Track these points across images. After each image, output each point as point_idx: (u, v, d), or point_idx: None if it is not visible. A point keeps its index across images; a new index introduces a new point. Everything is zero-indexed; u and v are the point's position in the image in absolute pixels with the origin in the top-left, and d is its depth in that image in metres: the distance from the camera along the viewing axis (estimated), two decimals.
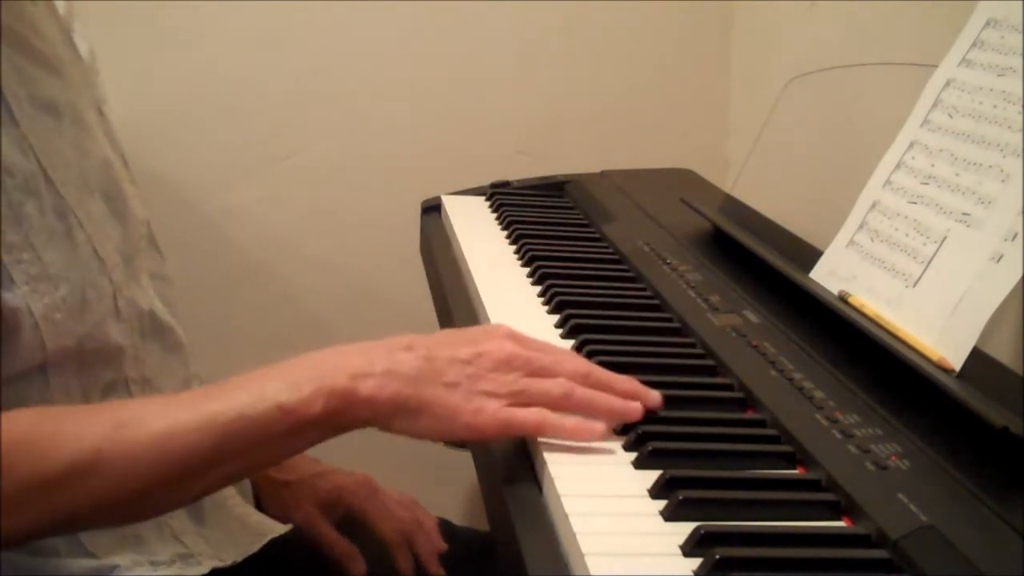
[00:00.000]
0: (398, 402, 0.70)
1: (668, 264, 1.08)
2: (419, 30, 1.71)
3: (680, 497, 0.64)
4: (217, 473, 0.71)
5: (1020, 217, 0.77)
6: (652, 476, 0.67)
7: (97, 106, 0.93)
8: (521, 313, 0.98)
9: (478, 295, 1.02)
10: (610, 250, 1.17)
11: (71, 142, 0.85)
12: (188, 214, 1.70)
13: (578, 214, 1.34)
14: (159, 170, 1.63)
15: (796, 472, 0.71)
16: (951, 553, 0.59)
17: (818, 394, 0.78)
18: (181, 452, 0.69)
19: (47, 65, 0.85)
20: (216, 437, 0.69)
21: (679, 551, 0.60)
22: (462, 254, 1.16)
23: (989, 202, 0.81)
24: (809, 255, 0.97)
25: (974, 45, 0.89)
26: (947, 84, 0.90)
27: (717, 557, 0.58)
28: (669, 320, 0.96)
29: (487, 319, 0.96)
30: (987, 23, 0.89)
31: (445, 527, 1.11)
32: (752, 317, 0.94)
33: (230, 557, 0.91)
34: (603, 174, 1.50)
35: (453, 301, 1.06)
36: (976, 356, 0.76)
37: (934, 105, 0.91)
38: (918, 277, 0.84)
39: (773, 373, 0.82)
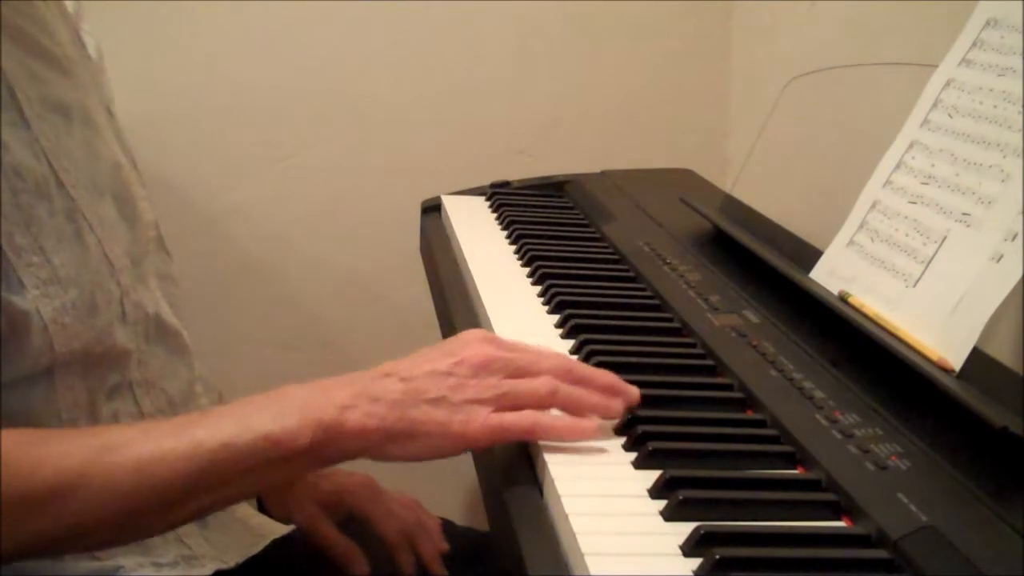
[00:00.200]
0: (386, 428, 0.70)
1: (668, 264, 1.08)
2: (419, 30, 1.71)
3: (680, 497, 0.64)
4: (199, 501, 0.71)
5: (1020, 217, 0.77)
6: (652, 476, 0.67)
7: (106, 106, 0.93)
8: (521, 313, 0.98)
9: (478, 295, 1.02)
10: (610, 250, 1.17)
11: (81, 144, 0.85)
12: (188, 214, 1.70)
13: (578, 214, 1.34)
14: (159, 170, 1.63)
15: (796, 472, 0.71)
16: (951, 553, 0.59)
17: (818, 394, 0.78)
18: (164, 478, 0.68)
19: (57, 66, 0.85)
20: (201, 465, 0.68)
21: (679, 551, 0.60)
22: (462, 254, 1.16)
23: (989, 202, 0.81)
24: (809, 255, 0.97)
25: (974, 45, 0.89)
26: (947, 84, 0.90)
27: (717, 557, 0.58)
28: (669, 320, 0.96)
29: (487, 319, 0.96)
30: (987, 23, 0.89)
31: (446, 527, 1.11)
32: (752, 317, 0.94)
33: (233, 559, 0.91)
34: (603, 174, 1.50)
35: (453, 301, 1.06)
36: (976, 356, 0.76)
37: (934, 105, 0.91)
38: (918, 277, 0.84)
39: (773, 373, 0.82)
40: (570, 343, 0.89)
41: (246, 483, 0.72)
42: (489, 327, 0.94)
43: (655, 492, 0.66)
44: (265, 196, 1.73)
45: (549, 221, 1.28)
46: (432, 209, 1.39)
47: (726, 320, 0.93)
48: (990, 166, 0.82)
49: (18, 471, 0.67)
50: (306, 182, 1.74)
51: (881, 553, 0.60)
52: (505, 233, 1.24)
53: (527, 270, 1.10)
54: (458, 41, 1.73)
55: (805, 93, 1.15)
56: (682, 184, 1.43)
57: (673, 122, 1.79)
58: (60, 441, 0.71)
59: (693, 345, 0.90)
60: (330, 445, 0.70)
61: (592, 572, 0.58)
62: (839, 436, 0.72)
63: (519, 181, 1.46)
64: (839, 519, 0.65)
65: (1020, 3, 0.86)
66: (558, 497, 0.65)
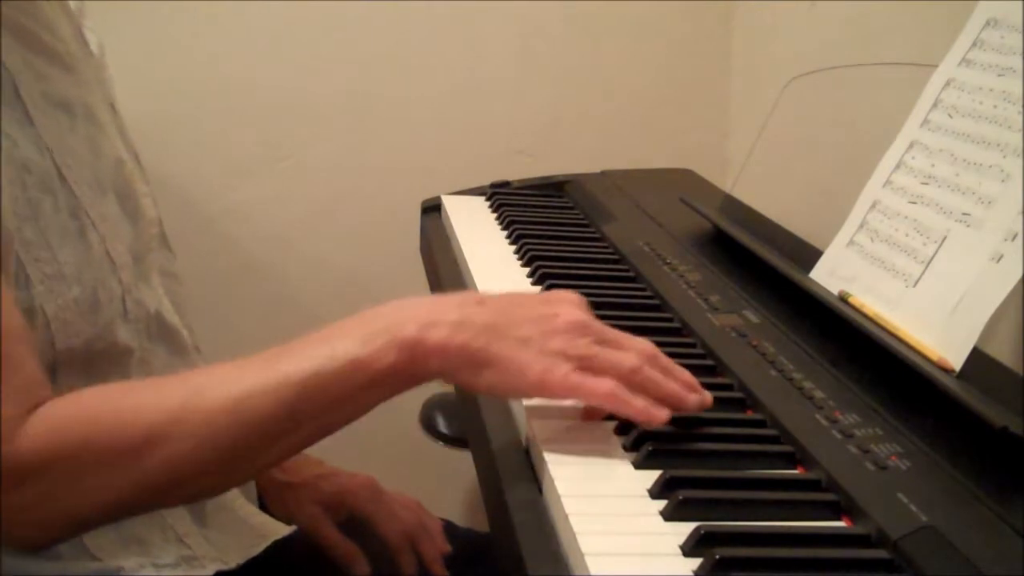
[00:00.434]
0: (468, 352, 0.69)
1: (668, 264, 1.08)
2: (420, 30, 1.71)
3: (680, 497, 0.64)
4: (294, 435, 0.71)
5: (1020, 217, 0.77)
6: (652, 476, 0.68)
7: (110, 103, 0.94)
8: None
9: None
10: (610, 250, 1.17)
11: (84, 140, 0.85)
12: (189, 214, 1.70)
13: (578, 214, 1.34)
14: (160, 170, 1.62)
15: (796, 472, 0.71)
16: (951, 553, 0.59)
17: (818, 394, 0.78)
18: (257, 414, 0.69)
19: (60, 63, 0.85)
20: (292, 397, 0.69)
21: (679, 551, 0.60)
22: (462, 254, 1.16)
23: (989, 202, 0.81)
24: (809, 255, 0.97)
25: (974, 45, 0.89)
26: (947, 84, 0.90)
27: (717, 557, 0.58)
28: (669, 320, 0.96)
29: None
30: (987, 23, 0.89)
31: (447, 528, 1.11)
32: (752, 317, 0.94)
33: (233, 559, 0.91)
34: (603, 174, 1.50)
35: None
36: (976, 356, 0.76)
37: (934, 105, 0.91)
38: (918, 277, 0.84)
39: (773, 373, 0.82)
40: None
41: (338, 412, 0.71)
42: None
43: (655, 492, 0.66)
44: (265, 196, 1.73)
45: (549, 221, 1.28)
46: (432, 209, 1.39)
47: (726, 320, 0.93)
48: (990, 166, 0.82)
49: (110, 424, 0.68)
50: (306, 182, 1.74)
51: (881, 553, 0.61)
52: (505, 233, 1.24)
53: (527, 270, 1.10)
54: (459, 41, 1.73)
55: (805, 93, 1.15)
56: (682, 184, 1.43)
57: (673, 122, 1.79)
58: (148, 390, 0.72)
59: (693, 345, 0.90)
60: (413, 363, 0.70)
61: (592, 572, 0.58)
62: (839, 436, 0.72)
63: (519, 181, 1.46)
64: (839, 519, 0.65)
65: (1020, 3, 0.86)
66: (558, 497, 0.65)
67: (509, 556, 0.65)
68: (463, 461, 0.78)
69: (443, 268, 1.17)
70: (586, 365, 0.70)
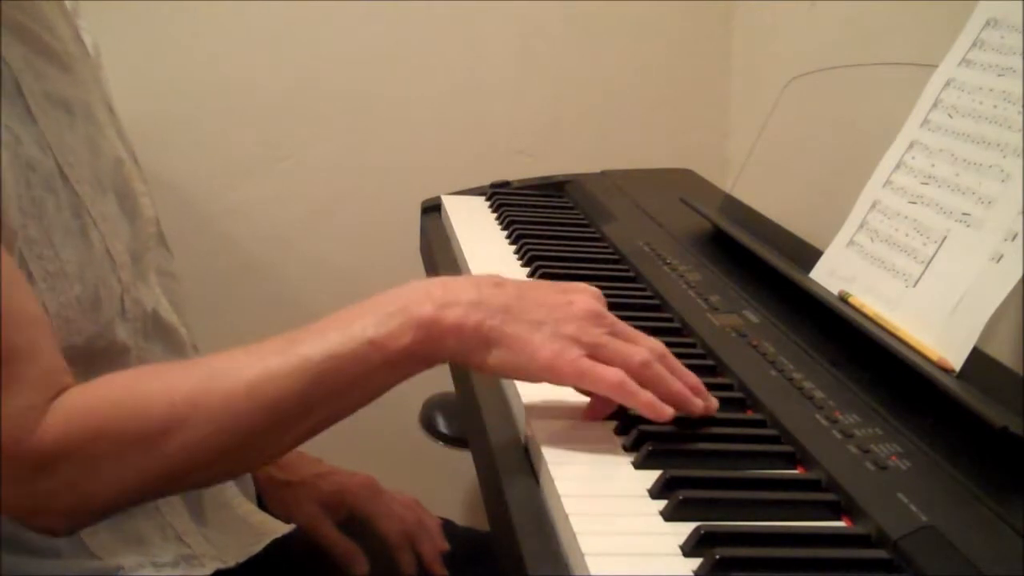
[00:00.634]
0: (483, 332, 0.70)
1: (668, 264, 1.08)
2: (420, 30, 1.71)
3: (680, 497, 0.64)
4: (312, 417, 0.71)
5: (1020, 217, 0.77)
6: (652, 476, 0.67)
7: (107, 103, 0.94)
8: None
9: None
10: (610, 250, 1.17)
11: (84, 139, 0.85)
12: (189, 213, 1.70)
13: (578, 214, 1.34)
14: (160, 170, 1.63)
15: (796, 472, 0.71)
16: (951, 553, 0.59)
17: (818, 394, 0.78)
18: (275, 397, 0.69)
19: (59, 62, 0.85)
20: (309, 379, 0.69)
21: (679, 551, 0.60)
22: (462, 254, 1.16)
23: (989, 202, 0.81)
24: (809, 255, 0.97)
25: (974, 45, 0.89)
26: (947, 84, 0.90)
27: (717, 557, 0.58)
28: (669, 320, 0.96)
29: None
30: (987, 23, 0.89)
31: (446, 527, 1.11)
32: (752, 317, 0.94)
33: (232, 558, 0.91)
34: (603, 174, 1.50)
35: None
36: (976, 356, 0.76)
37: (934, 105, 0.91)
38: (918, 277, 0.84)
39: (773, 373, 0.82)
40: None
41: (355, 393, 0.72)
42: None
43: (655, 492, 0.66)
44: (265, 196, 1.73)
45: (549, 221, 1.28)
46: (432, 209, 1.39)
47: (726, 320, 0.93)
48: (990, 166, 0.82)
49: (129, 411, 0.69)
50: (306, 182, 1.74)
51: (881, 553, 0.61)
52: (505, 233, 1.24)
53: (527, 270, 1.10)
54: (459, 41, 1.73)
55: (805, 93, 1.15)
56: (682, 184, 1.43)
57: (673, 122, 1.79)
58: (168, 375, 0.73)
59: (693, 345, 0.90)
60: (429, 343, 0.70)
61: (592, 572, 0.58)
62: (839, 436, 0.72)
63: (519, 181, 1.46)
64: (839, 519, 0.65)
65: (1020, 3, 0.86)
66: (558, 497, 0.65)
67: (509, 556, 0.65)
68: (463, 461, 0.78)
69: (443, 268, 1.17)
70: (597, 354, 0.71)
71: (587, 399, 0.75)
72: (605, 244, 1.20)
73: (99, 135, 0.88)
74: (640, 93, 1.78)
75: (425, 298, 0.71)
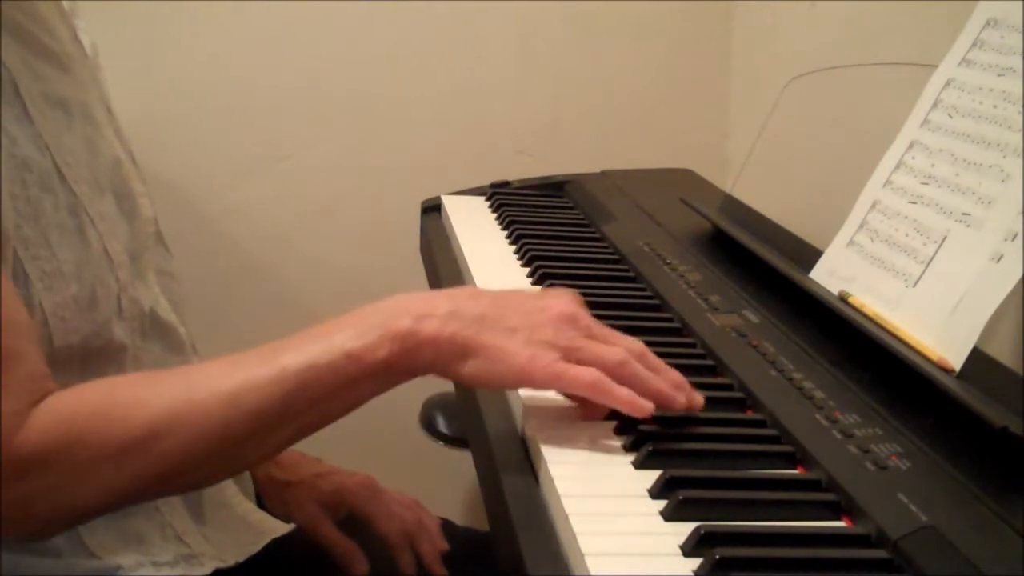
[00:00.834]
0: (458, 343, 0.71)
1: (668, 264, 1.08)
2: (420, 30, 1.71)
3: (680, 497, 0.64)
4: (291, 425, 0.72)
5: (1020, 217, 0.77)
6: (652, 476, 0.67)
7: (105, 103, 0.94)
8: None
9: None
10: (610, 250, 1.17)
11: (82, 140, 0.85)
12: (188, 214, 1.70)
13: (578, 214, 1.34)
14: (159, 170, 1.63)
15: (796, 472, 0.71)
16: (951, 553, 0.59)
17: (818, 394, 0.78)
18: (254, 406, 0.70)
19: (57, 63, 0.85)
20: (287, 388, 0.70)
21: (679, 551, 0.60)
22: (462, 254, 1.16)
23: (989, 202, 0.81)
24: (809, 255, 0.97)
25: (974, 45, 0.89)
26: (947, 84, 0.90)
27: (717, 557, 0.58)
28: (669, 320, 0.96)
29: None
30: (987, 23, 0.89)
31: (446, 527, 1.11)
32: (752, 317, 0.94)
33: (232, 557, 0.91)
34: (603, 174, 1.50)
35: None
36: (976, 356, 0.76)
37: (934, 105, 0.91)
38: (918, 277, 0.84)
39: (773, 373, 0.82)
40: None
41: (333, 404, 0.73)
42: None
43: (655, 492, 0.66)
44: (265, 196, 1.73)
45: (549, 221, 1.28)
46: (432, 209, 1.39)
47: (726, 320, 0.93)
48: (990, 166, 0.82)
49: (111, 418, 0.70)
50: (306, 182, 1.74)
51: (881, 553, 0.61)
52: (505, 233, 1.24)
53: (527, 270, 1.10)
54: (459, 41, 1.73)
55: (805, 93, 1.15)
56: (682, 184, 1.43)
57: (673, 122, 1.79)
58: (149, 383, 0.73)
59: (693, 345, 0.90)
60: (405, 355, 0.71)
61: (592, 572, 0.58)
62: (839, 436, 0.72)
63: (519, 181, 1.46)
64: (839, 519, 0.65)
65: (1020, 3, 0.86)
66: (558, 497, 0.65)
67: (509, 556, 0.65)
68: (463, 461, 0.78)
69: (443, 268, 1.17)
70: (572, 356, 0.71)
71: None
72: (605, 244, 1.20)
73: (97, 135, 0.88)
74: (640, 93, 1.78)
75: (403, 312, 0.72)
